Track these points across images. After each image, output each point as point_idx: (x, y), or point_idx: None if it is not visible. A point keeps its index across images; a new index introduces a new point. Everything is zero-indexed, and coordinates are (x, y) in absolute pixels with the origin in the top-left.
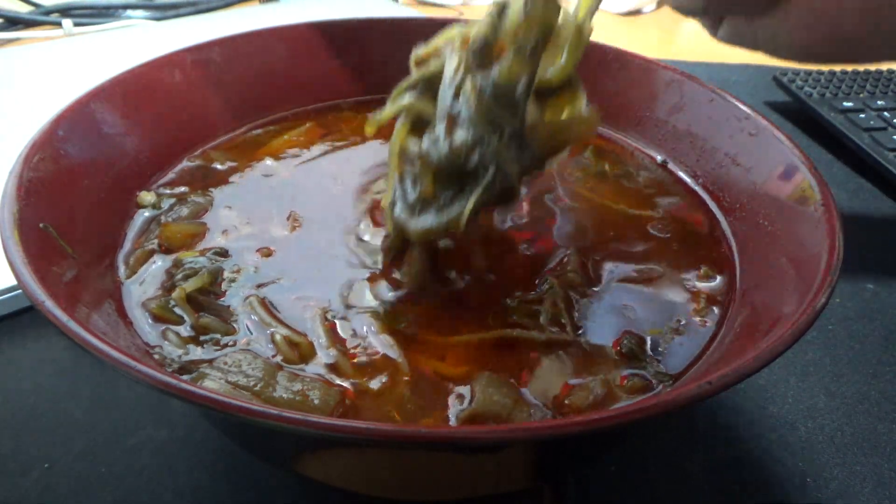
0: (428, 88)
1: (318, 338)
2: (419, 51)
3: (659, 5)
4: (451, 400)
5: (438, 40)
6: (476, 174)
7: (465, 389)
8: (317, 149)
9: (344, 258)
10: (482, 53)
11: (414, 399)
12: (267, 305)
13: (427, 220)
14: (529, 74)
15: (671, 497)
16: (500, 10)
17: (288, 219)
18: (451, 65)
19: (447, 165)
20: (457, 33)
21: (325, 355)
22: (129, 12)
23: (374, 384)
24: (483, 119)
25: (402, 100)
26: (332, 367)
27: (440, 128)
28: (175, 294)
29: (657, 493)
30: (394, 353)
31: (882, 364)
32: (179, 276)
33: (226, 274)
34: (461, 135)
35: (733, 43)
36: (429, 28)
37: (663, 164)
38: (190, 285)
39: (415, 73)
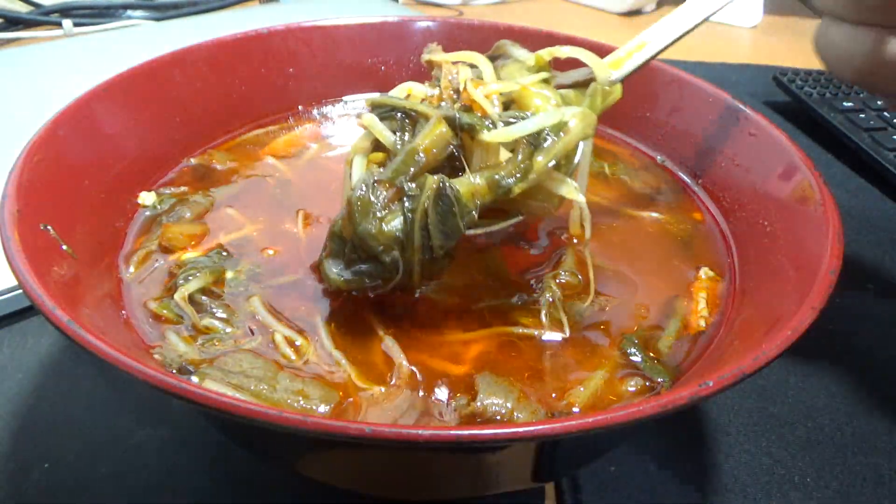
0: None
1: (321, 338)
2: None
3: (659, 5)
4: (453, 399)
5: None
6: (382, 265)
7: (456, 402)
8: (317, 149)
9: None
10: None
11: (416, 398)
12: (269, 305)
13: (336, 274)
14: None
15: (671, 497)
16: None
17: (291, 218)
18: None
19: (360, 243)
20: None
21: (326, 355)
22: (129, 12)
23: (377, 384)
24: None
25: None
26: (335, 367)
27: (380, 195)
28: (177, 295)
29: (657, 493)
30: (395, 353)
31: (882, 364)
32: (181, 277)
33: (228, 274)
34: (394, 225)
35: None
36: (429, 29)
37: (663, 165)
38: (192, 286)
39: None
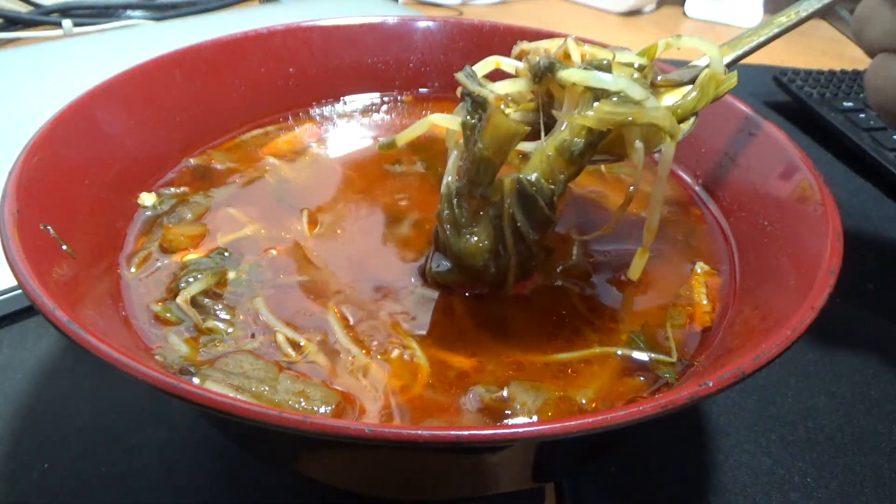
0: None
1: (337, 334)
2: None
3: (659, 6)
4: (468, 399)
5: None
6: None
7: (478, 389)
8: (317, 148)
9: (351, 257)
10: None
11: (430, 398)
12: (271, 306)
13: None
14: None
15: (671, 497)
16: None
17: (292, 218)
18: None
19: (457, 260)
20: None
21: (341, 351)
22: (129, 12)
23: (393, 383)
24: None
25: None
26: (345, 366)
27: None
28: (180, 298)
29: (657, 493)
30: (413, 352)
31: (882, 364)
32: (183, 279)
33: (230, 275)
34: (485, 238)
35: None
36: (429, 29)
37: None
38: (194, 288)
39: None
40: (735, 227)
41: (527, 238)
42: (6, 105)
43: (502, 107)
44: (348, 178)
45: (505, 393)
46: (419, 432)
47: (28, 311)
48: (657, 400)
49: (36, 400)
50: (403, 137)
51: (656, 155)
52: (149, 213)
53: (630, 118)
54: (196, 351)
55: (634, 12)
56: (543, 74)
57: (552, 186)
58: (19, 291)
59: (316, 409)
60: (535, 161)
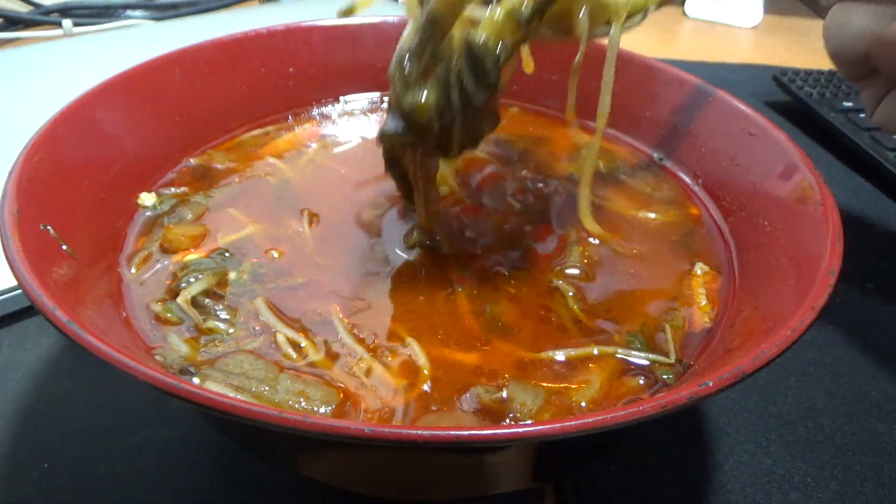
0: None
1: (341, 334)
2: None
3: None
4: (467, 400)
5: None
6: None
7: (478, 389)
8: (317, 148)
9: (352, 256)
10: None
11: (433, 397)
12: (273, 306)
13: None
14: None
15: (671, 497)
16: None
17: (293, 218)
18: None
19: (406, 116)
20: None
21: (345, 351)
22: (129, 12)
23: (394, 382)
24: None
25: None
26: (345, 366)
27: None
28: (180, 298)
29: (657, 493)
30: (414, 351)
31: (882, 364)
32: (184, 280)
33: (231, 275)
34: (433, 95)
35: (890, 127)
36: None
37: (663, 164)
38: (195, 288)
39: None
40: (735, 227)
41: (472, 98)
42: (6, 105)
43: None
44: (348, 178)
45: (504, 394)
46: (419, 432)
47: (28, 311)
48: (657, 400)
49: (36, 400)
50: (363, 4)
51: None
52: (149, 213)
53: None
54: (196, 351)
55: None
56: None
57: (499, 49)
58: (19, 291)
59: (316, 409)
60: (486, 23)
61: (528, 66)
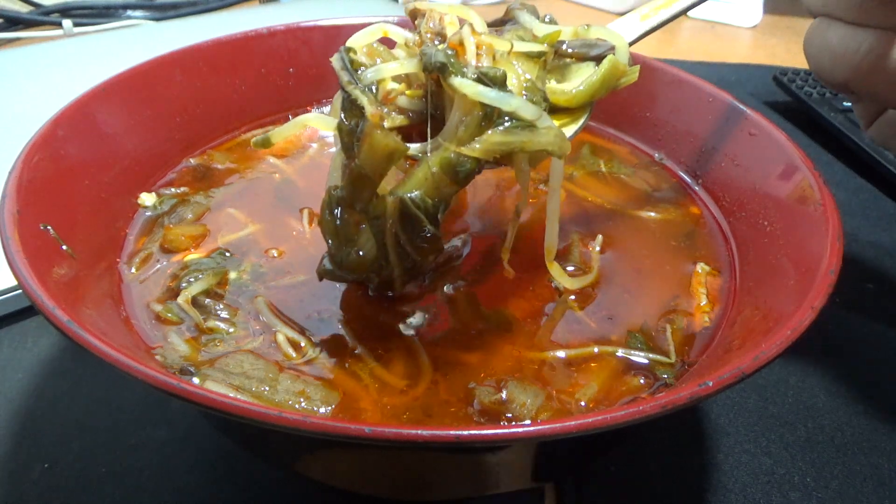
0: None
1: (342, 334)
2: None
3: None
4: (476, 389)
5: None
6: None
7: (477, 390)
8: (317, 148)
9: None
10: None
11: (433, 396)
12: (273, 306)
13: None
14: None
15: (671, 497)
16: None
17: (293, 218)
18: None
19: (343, 267)
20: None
21: (346, 351)
22: (129, 12)
23: (394, 382)
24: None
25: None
26: (345, 366)
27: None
28: (181, 298)
29: (657, 493)
30: (414, 351)
31: (882, 364)
32: (184, 279)
33: (231, 275)
34: (368, 251)
35: (887, 144)
36: None
37: (663, 164)
38: (195, 288)
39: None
40: (735, 227)
41: (410, 253)
42: (6, 105)
43: (392, 86)
44: None
45: (504, 394)
46: (419, 432)
47: (28, 311)
48: (657, 400)
49: (36, 400)
50: (277, 135)
51: None
52: (149, 213)
53: (520, 148)
54: (197, 351)
55: None
56: (436, 72)
57: (437, 203)
58: (19, 291)
59: (316, 409)
60: (419, 177)
61: (509, 273)
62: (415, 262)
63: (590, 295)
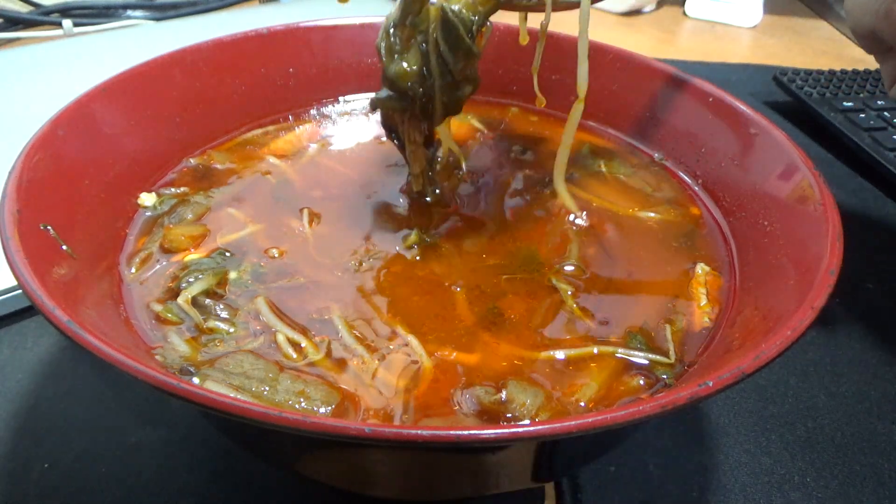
0: None
1: (341, 334)
2: None
3: (659, 5)
4: (475, 388)
5: None
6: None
7: (477, 390)
8: (318, 148)
9: (355, 256)
10: None
11: (434, 397)
12: (273, 306)
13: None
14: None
15: (671, 497)
16: None
17: (293, 217)
18: None
19: (391, 84)
20: None
21: (345, 351)
22: (129, 12)
23: (394, 382)
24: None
25: None
26: (345, 366)
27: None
28: (181, 298)
29: (657, 493)
30: (415, 351)
31: (882, 364)
32: (184, 280)
33: (231, 274)
34: (414, 62)
35: None
36: None
37: (663, 164)
38: (195, 289)
39: None
40: (735, 228)
41: (449, 64)
42: (6, 105)
43: None
44: (349, 178)
45: (504, 395)
46: (419, 432)
47: (28, 311)
48: (657, 400)
49: (36, 400)
50: None
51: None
52: (149, 213)
53: None
54: (197, 351)
55: (634, 12)
56: None
57: (473, 17)
58: (19, 291)
59: (316, 409)
60: None
61: (524, 38)
62: (454, 77)
63: (589, 294)
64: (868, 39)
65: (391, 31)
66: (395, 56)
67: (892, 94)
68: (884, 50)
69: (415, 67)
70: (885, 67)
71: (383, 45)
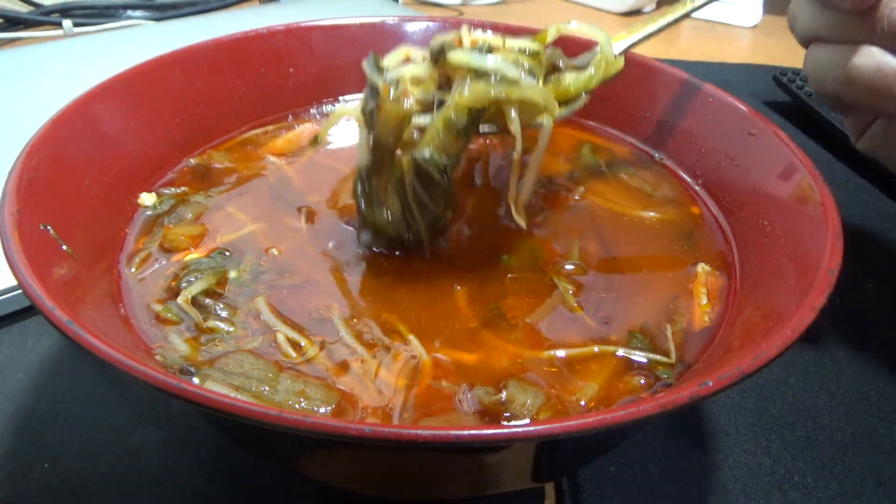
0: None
1: (341, 333)
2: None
3: (659, 5)
4: (475, 388)
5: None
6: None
7: (477, 390)
8: (317, 148)
9: (355, 255)
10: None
11: (433, 397)
12: (272, 305)
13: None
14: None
15: (671, 497)
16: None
17: (293, 217)
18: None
19: (376, 229)
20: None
21: (345, 350)
22: (129, 12)
23: (394, 382)
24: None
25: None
26: (345, 366)
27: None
28: (180, 298)
29: (657, 493)
30: (415, 351)
31: (882, 364)
32: (184, 279)
33: (231, 274)
34: (396, 211)
35: (875, 154)
36: (429, 29)
37: (663, 164)
38: (195, 288)
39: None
40: (735, 227)
41: (428, 204)
42: (6, 105)
43: (408, 88)
44: (348, 178)
45: (504, 394)
46: (419, 432)
47: (28, 311)
48: (657, 400)
49: (36, 400)
50: (323, 131)
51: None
52: (149, 213)
53: (503, 95)
54: (196, 350)
55: (634, 12)
56: (438, 57)
57: (445, 159)
58: (19, 291)
59: (316, 408)
60: (428, 137)
61: (521, 224)
62: (434, 215)
63: (589, 294)
64: (830, 100)
65: (365, 179)
66: (375, 206)
67: (858, 146)
68: (847, 107)
69: (397, 215)
70: (849, 122)
71: (360, 192)
